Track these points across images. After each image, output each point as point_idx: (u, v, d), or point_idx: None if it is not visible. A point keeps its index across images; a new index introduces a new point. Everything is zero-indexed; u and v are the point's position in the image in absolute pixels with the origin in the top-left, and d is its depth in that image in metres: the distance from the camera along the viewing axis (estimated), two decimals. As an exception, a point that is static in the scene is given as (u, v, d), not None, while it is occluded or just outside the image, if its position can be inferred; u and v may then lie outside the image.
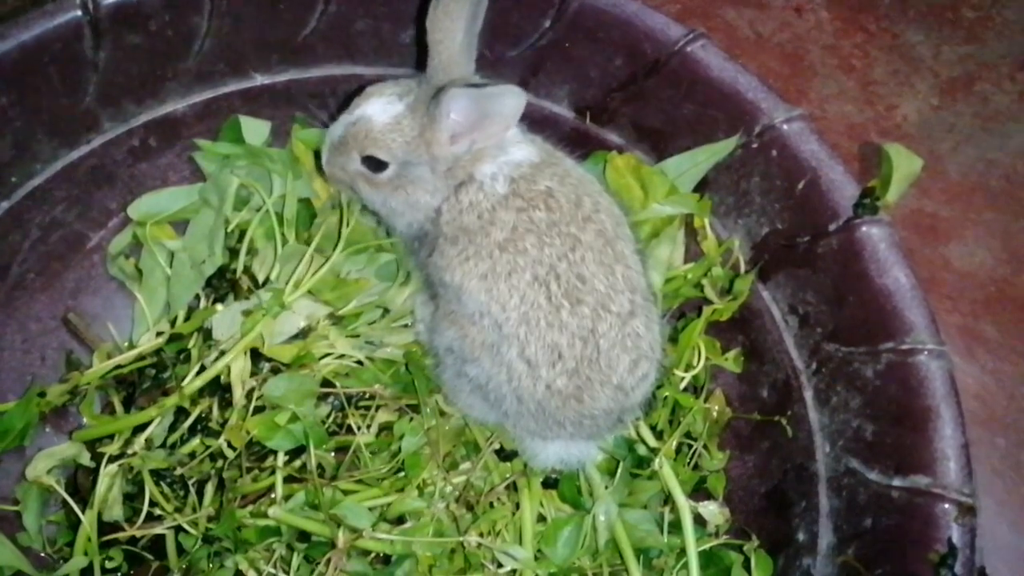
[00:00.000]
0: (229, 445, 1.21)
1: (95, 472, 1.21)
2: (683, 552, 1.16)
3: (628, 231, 1.15)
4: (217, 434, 1.22)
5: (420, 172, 1.12)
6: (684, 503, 1.17)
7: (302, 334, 1.25)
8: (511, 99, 1.05)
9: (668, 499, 1.20)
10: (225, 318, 1.26)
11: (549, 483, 1.23)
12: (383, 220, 1.25)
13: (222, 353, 1.23)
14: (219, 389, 1.24)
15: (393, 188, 1.15)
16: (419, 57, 1.31)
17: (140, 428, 1.23)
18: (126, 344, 1.35)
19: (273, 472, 1.20)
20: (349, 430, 1.23)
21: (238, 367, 1.22)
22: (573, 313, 1.07)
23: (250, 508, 1.18)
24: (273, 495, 1.18)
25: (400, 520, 1.17)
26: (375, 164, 1.13)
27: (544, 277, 1.07)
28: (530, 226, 1.08)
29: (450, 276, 1.10)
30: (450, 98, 1.05)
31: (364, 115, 1.12)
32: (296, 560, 1.15)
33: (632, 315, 1.09)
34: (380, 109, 1.12)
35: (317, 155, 1.36)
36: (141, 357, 1.29)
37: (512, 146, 1.13)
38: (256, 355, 1.24)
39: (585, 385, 1.09)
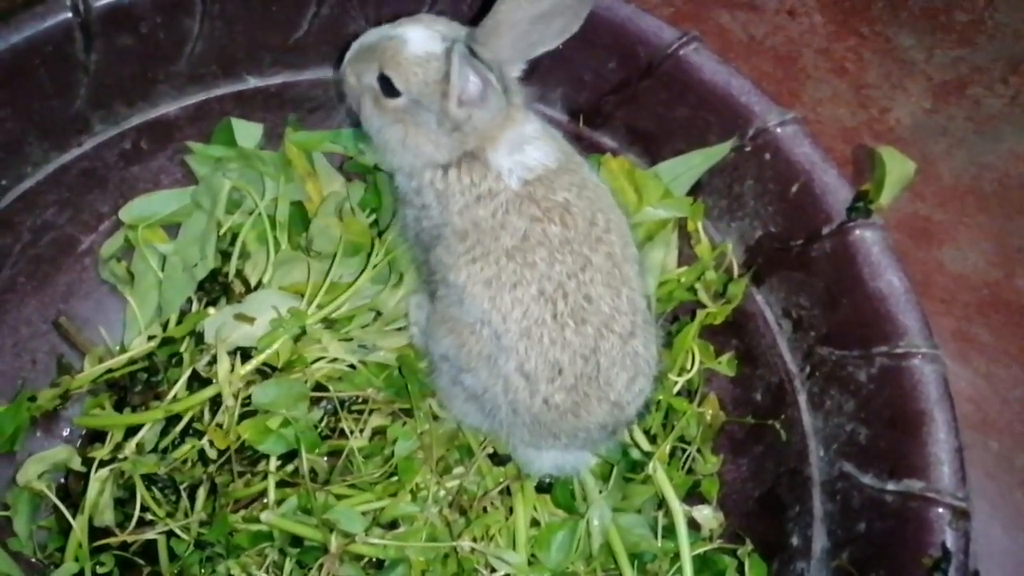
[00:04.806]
0: (221, 450, 1.20)
1: (86, 477, 1.20)
2: (677, 556, 1.15)
3: (634, 250, 1.14)
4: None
5: (426, 119, 1.08)
6: (678, 507, 1.16)
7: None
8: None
9: (662, 503, 1.20)
10: (217, 322, 1.25)
11: (543, 488, 1.22)
12: (376, 153, 1.19)
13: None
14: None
15: (395, 120, 1.10)
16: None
17: (131, 432, 1.23)
18: (117, 348, 1.34)
19: (265, 477, 1.19)
20: (342, 434, 1.22)
21: (237, 376, 1.21)
22: (577, 332, 1.06)
23: (242, 513, 1.18)
24: (265, 500, 1.18)
25: (393, 525, 1.16)
26: (389, 88, 1.08)
27: (552, 294, 1.05)
28: (543, 239, 1.06)
29: (455, 275, 1.08)
30: (460, 58, 1.01)
31: (401, 36, 1.07)
32: (289, 565, 1.14)
33: (632, 335, 1.09)
34: (419, 38, 1.06)
35: (309, 157, 1.37)
36: (133, 361, 1.29)
37: (529, 144, 1.10)
38: (247, 358, 1.23)
39: (583, 401, 1.08)
